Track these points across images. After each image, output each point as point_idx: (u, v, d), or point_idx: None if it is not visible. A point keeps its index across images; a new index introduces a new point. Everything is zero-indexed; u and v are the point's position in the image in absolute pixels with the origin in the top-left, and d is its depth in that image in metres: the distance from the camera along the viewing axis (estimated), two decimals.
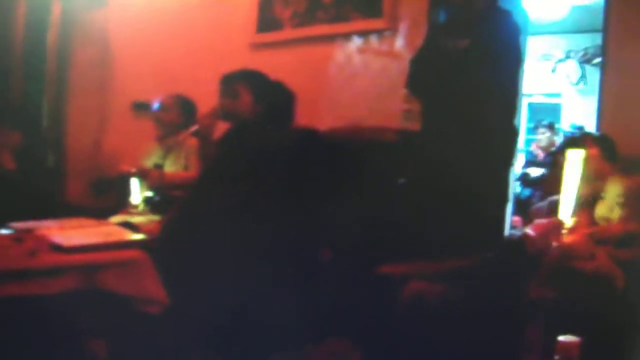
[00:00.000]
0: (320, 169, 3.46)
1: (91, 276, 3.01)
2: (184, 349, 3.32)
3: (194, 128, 4.00)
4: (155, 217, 4.00)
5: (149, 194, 4.17)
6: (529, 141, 7.90)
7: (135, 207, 4.16)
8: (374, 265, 3.20)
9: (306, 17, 4.56)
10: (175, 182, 4.12)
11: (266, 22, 4.80)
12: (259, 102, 3.66)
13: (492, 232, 3.40)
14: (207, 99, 4.12)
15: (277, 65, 4.04)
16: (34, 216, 3.48)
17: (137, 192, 4.25)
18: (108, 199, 4.74)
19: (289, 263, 3.28)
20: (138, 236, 3.37)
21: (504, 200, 3.59)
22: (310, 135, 3.66)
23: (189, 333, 3.28)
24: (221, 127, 3.76)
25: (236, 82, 3.68)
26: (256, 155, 3.50)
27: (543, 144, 7.20)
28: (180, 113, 4.38)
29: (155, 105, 4.47)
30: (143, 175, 4.20)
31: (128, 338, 3.28)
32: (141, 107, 5.11)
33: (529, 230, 3.14)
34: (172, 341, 3.28)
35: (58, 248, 3.02)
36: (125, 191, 4.32)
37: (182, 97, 4.43)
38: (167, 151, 4.32)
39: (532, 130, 7.73)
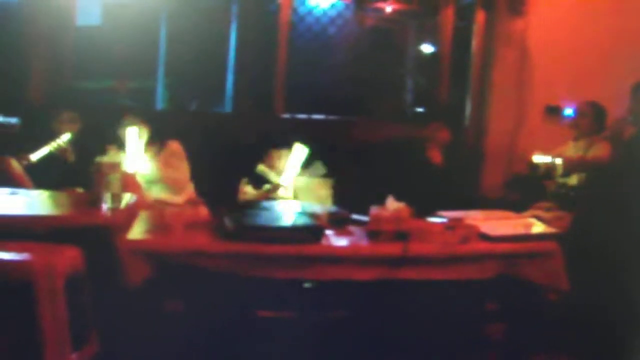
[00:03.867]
0: None
1: (510, 264, 3.37)
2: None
3: (605, 132, 4.41)
4: (564, 213, 4.31)
5: (560, 189, 4.53)
6: None
7: (547, 202, 4.53)
8: None
9: None
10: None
11: None
12: None
13: None
14: (611, 105, 4.57)
15: None
16: (456, 207, 3.85)
17: (549, 189, 4.65)
18: (517, 194, 5.11)
19: None
20: (553, 229, 3.66)
21: None
22: None
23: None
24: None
25: None
26: None
27: None
28: (594, 119, 4.67)
29: (571, 110, 4.91)
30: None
31: (528, 323, 3.62)
32: (554, 111, 5.47)
33: None
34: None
35: (485, 237, 3.40)
36: (536, 189, 4.73)
37: (596, 104, 4.71)
38: (584, 151, 4.63)
39: None
